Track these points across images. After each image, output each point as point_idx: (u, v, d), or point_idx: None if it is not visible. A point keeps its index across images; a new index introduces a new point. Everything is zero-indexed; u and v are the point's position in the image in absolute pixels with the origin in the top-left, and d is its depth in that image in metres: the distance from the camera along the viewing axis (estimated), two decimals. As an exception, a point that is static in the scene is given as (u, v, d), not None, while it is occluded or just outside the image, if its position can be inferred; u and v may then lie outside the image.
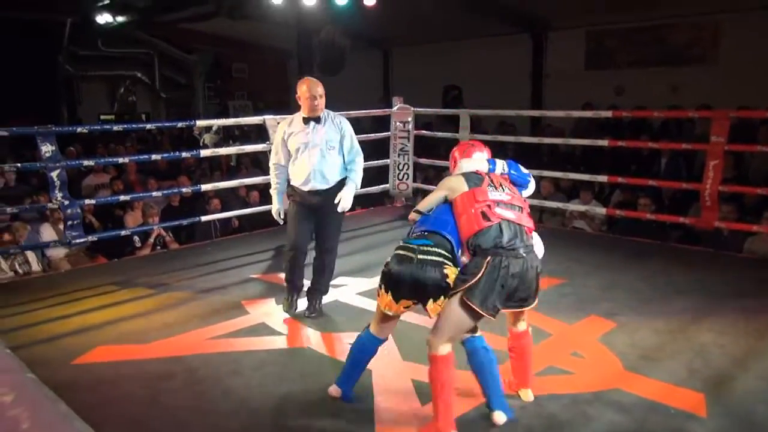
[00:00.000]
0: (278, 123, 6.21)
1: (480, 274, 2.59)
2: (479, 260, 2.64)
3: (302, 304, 4.17)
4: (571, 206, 6.52)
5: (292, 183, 4.08)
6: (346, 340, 3.67)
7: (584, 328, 3.83)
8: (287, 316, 4.12)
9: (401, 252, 2.70)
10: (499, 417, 2.74)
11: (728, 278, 4.72)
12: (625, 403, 2.94)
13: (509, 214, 2.74)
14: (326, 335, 3.80)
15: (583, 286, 4.62)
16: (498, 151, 8.58)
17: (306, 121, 3.95)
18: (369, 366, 3.33)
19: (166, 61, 15.14)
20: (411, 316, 3.48)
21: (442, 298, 2.65)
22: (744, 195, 5.88)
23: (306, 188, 3.98)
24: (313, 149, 3.94)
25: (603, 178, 6.19)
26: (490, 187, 2.83)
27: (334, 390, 3.01)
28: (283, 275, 4.29)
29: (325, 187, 3.98)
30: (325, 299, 4.28)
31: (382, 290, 2.74)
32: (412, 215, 2.98)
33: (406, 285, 2.65)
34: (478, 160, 3.05)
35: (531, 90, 11.41)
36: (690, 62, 9.38)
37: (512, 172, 3.05)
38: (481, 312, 2.59)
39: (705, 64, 9.26)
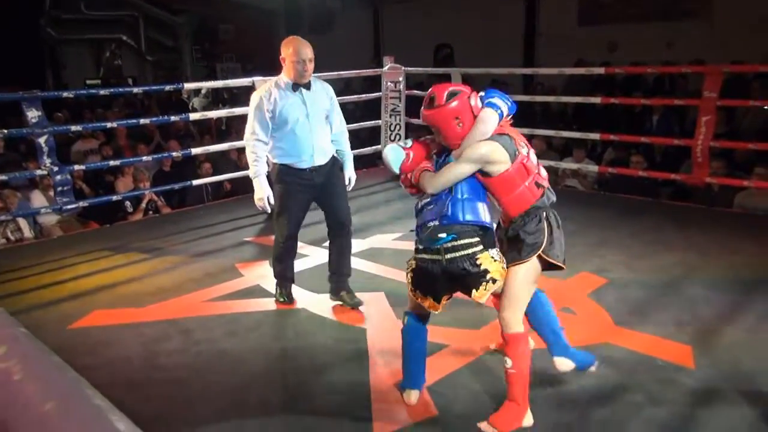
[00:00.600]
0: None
1: (549, 232, 2.48)
2: (534, 219, 2.48)
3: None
4: (563, 164, 6.52)
5: (282, 162, 3.48)
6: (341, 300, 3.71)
7: (575, 285, 3.88)
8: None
9: (426, 257, 2.42)
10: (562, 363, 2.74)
11: (718, 234, 4.76)
12: (614, 356, 3.00)
13: (543, 170, 2.60)
14: (321, 296, 3.83)
15: (575, 243, 4.63)
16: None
17: (295, 87, 3.41)
18: (363, 325, 3.38)
19: (152, 23, 14.84)
20: (402, 275, 3.52)
21: (484, 284, 2.41)
22: (735, 150, 5.89)
23: (305, 166, 3.45)
24: (314, 120, 3.44)
25: (595, 136, 6.18)
26: (522, 146, 2.50)
27: (413, 396, 2.66)
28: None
29: (324, 161, 3.51)
30: (319, 261, 4.30)
31: (419, 294, 2.51)
32: (427, 188, 2.49)
33: (443, 285, 2.46)
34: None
35: (523, 49, 11.28)
36: (684, 17, 9.28)
37: (506, 113, 2.55)
38: (562, 265, 2.53)
39: (699, 19, 9.16)
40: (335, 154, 3.63)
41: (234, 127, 9.26)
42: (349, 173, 3.71)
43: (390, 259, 4.38)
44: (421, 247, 2.46)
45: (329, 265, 3.73)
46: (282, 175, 3.51)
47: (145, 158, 6.15)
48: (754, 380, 2.77)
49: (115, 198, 5.71)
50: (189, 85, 6.62)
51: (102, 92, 6.47)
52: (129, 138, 8.36)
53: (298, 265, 4.33)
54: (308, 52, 3.38)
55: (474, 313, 3.37)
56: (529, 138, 6.95)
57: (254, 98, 3.44)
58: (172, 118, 5.86)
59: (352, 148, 3.89)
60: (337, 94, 3.72)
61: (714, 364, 2.92)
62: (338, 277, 3.69)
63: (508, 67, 7.70)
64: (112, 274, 4.36)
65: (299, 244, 4.23)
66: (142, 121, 5.95)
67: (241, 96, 10.93)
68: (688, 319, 3.38)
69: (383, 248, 4.68)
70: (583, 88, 7.86)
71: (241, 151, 7.04)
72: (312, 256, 4.51)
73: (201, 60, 15.56)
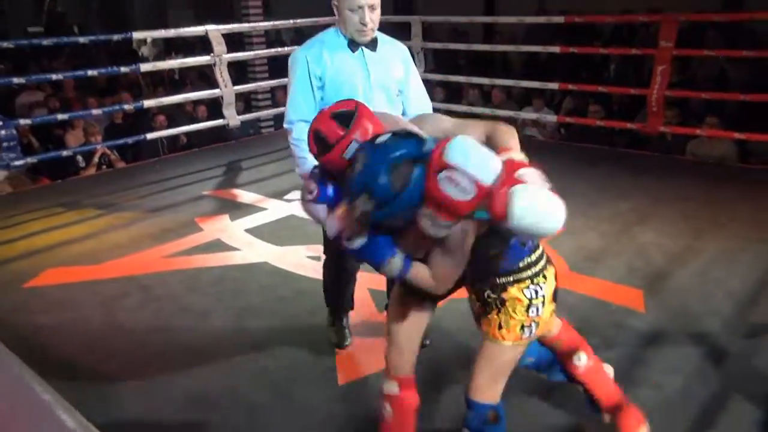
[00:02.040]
0: (221, 35, 6.00)
1: None
2: None
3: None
4: (522, 114, 6.55)
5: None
6: (303, 253, 3.71)
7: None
8: (243, 232, 4.10)
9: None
10: None
11: (671, 181, 4.90)
12: (570, 301, 3.09)
13: None
14: (283, 249, 3.82)
15: (534, 193, 4.72)
16: (450, 59, 8.44)
17: (353, 46, 2.38)
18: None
19: (96, -36, 14.07)
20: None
21: None
22: (689, 99, 6.01)
23: None
24: (378, 94, 2.40)
25: (554, 86, 6.21)
26: None
27: None
28: (235, 191, 4.01)
29: None
30: (281, 213, 4.26)
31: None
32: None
33: None
34: None
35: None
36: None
37: None
38: None
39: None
40: None
41: (189, 78, 8.98)
42: None
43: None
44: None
45: None
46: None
47: (95, 112, 5.91)
48: (700, 322, 2.91)
49: (65, 153, 5.50)
50: (138, 34, 6.32)
51: (45, 42, 6.11)
52: (77, 89, 8.02)
53: (259, 219, 4.32)
54: None
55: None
56: (490, 87, 7.04)
57: (294, 61, 2.39)
58: (122, 69, 5.62)
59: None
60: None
61: (663, 308, 3.04)
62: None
63: (469, 15, 7.59)
64: (66, 231, 4.25)
65: (257, 196, 4.18)
66: (90, 72, 5.67)
67: (196, 45, 10.55)
68: (641, 264, 3.50)
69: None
70: (543, 38, 7.84)
71: (198, 103, 6.87)
72: (273, 209, 4.46)
73: (150, 6, 14.88)
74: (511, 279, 1.73)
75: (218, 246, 3.91)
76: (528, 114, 6.52)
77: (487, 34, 9.92)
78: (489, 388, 1.78)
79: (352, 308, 2.84)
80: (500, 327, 1.75)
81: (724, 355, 2.67)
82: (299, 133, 2.32)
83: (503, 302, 1.74)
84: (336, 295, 2.77)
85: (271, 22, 6.98)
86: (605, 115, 6.11)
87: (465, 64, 8.37)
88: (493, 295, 1.75)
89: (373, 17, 2.31)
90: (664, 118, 5.49)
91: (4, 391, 0.91)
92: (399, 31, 8.23)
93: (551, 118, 6.34)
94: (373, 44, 2.39)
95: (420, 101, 2.53)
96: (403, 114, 2.45)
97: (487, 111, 6.43)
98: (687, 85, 6.23)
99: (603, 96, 6.26)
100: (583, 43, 6.99)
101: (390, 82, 2.43)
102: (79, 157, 5.88)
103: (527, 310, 1.74)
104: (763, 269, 3.43)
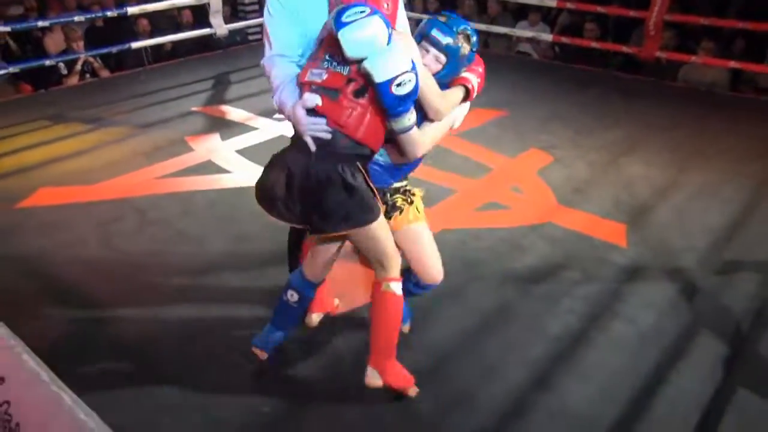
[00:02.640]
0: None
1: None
2: None
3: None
4: (518, 31, 6.39)
5: None
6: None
7: (524, 162, 4.00)
8: (234, 153, 4.09)
9: None
10: None
11: (662, 108, 4.91)
12: (556, 235, 3.20)
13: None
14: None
15: (527, 116, 4.73)
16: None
17: None
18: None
19: None
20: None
21: None
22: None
23: None
24: None
25: (552, 2, 6.04)
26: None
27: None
28: (224, 108, 3.86)
29: None
30: (272, 133, 4.24)
31: None
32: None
33: None
34: None
35: None
36: None
37: None
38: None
39: None
40: None
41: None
42: None
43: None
44: None
45: None
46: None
47: (76, 18, 5.65)
48: (678, 257, 3.04)
49: (47, 63, 5.32)
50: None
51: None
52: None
53: (249, 139, 4.30)
54: None
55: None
56: (485, 0, 6.78)
57: None
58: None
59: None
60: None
61: (644, 242, 3.16)
62: None
63: None
64: (56, 147, 4.21)
65: (247, 114, 4.08)
66: (68, -28, 5.39)
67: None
68: (626, 198, 3.59)
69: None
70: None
71: (182, 8, 6.58)
72: (263, 129, 4.44)
73: None
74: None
75: (210, 168, 3.91)
76: (523, 31, 6.36)
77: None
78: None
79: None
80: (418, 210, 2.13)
81: (696, 291, 2.82)
82: (273, 68, 1.92)
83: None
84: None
85: None
86: (600, 35, 5.98)
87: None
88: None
89: None
90: (661, 41, 5.40)
91: (39, 404, 0.95)
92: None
93: (546, 36, 6.19)
94: None
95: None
96: None
97: (482, 27, 6.26)
98: (685, 6, 6.06)
99: (599, 14, 6.10)
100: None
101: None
102: (61, 64, 5.69)
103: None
104: (742, 203, 3.55)
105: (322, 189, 1.83)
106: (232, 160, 4.01)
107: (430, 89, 1.88)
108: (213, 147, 4.19)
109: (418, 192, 2.18)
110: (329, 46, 1.79)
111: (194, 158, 4.04)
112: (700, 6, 5.66)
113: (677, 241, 3.18)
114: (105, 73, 5.81)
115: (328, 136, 1.78)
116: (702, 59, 5.24)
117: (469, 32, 1.94)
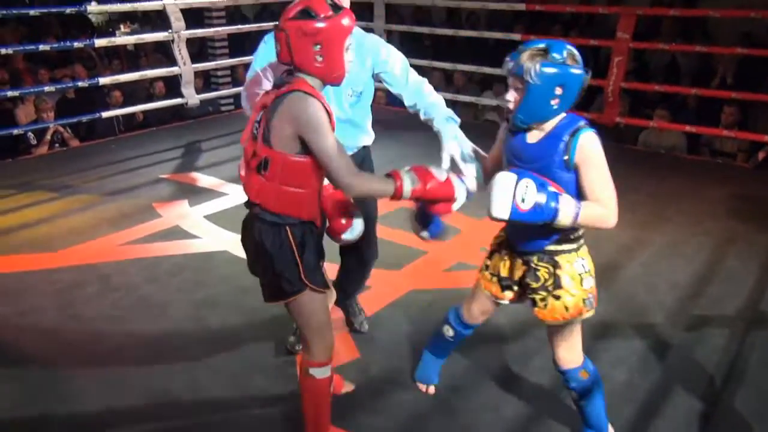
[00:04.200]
0: (180, 10, 5.81)
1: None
2: None
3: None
4: (484, 100, 6.62)
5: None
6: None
7: (492, 224, 4.03)
8: (202, 218, 4.07)
9: None
10: None
11: (622, 171, 4.94)
12: (524, 294, 3.19)
13: None
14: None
15: (492, 181, 4.81)
16: (415, 41, 8.33)
17: None
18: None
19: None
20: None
21: None
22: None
23: None
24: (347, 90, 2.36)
25: (521, 6, 6.31)
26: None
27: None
28: (194, 175, 3.96)
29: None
30: (241, 199, 4.23)
31: None
32: None
33: None
34: None
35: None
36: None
37: None
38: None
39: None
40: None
41: (144, 49, 8.68)
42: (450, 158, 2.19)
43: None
44: None
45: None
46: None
47: (47, 88, 5.69)
48: (646, 314, 3.06)
49: (16, 132, 5.32)
50: (93, 8, 6.11)
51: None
52: (27, 60, 7.69)
53: (218, 204, 4.29)
54: None
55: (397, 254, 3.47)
56: (452, 72, 7.06)
57: (264, 41, 2.29)
58: (76, 44, 5.43)
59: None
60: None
61: (612, 299, 3.18)
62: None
63: (432, -4, 7.55)
64: (19, 215, 4.14)
65: (217, 180, 4.09)
66: (42, 46, 5.46)
67: (152, 13, 10.20)
68: (592, 256, 3.62)
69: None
70: (504, 23, 7.88)
71: (155, 79, 6.69)
72: (233, 194, 4.43)
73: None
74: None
75: (177, 233, 3.87)
76: (489, 100, 6.60)
77: (451, 17, 9.89)
78: (570, 354, 2.12)
79: None
80: (567, 309, 2.03)
81: (666, 347, 2.82)
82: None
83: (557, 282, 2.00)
84: None
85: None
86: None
87: (429, 45, 8.36)
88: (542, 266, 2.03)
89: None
90: (619, 107, 5.64)
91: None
92: (361, 11, 8.17)
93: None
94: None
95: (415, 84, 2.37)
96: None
97: (448, 96, 6.47)
98: (639, 73, 6.39)
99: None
100: (542, 31, 7.07)
101: (358, 84, 2.29)
102: (30, 134, 5.68)
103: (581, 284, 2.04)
104: (704, 261, 3.62)
105: (257, 253, 1.85)
106: (200, 225, 3.98)
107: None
108: (181, 213, 4.16)
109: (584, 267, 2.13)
110: (263, 105, 1.74)
111: (161, 224, 4.00)
112: (652, 70, 5.98)
113: (644, 297, 3.20)
114: (75, 143, 5.81)
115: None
116: (658, 123, 5.47)
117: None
